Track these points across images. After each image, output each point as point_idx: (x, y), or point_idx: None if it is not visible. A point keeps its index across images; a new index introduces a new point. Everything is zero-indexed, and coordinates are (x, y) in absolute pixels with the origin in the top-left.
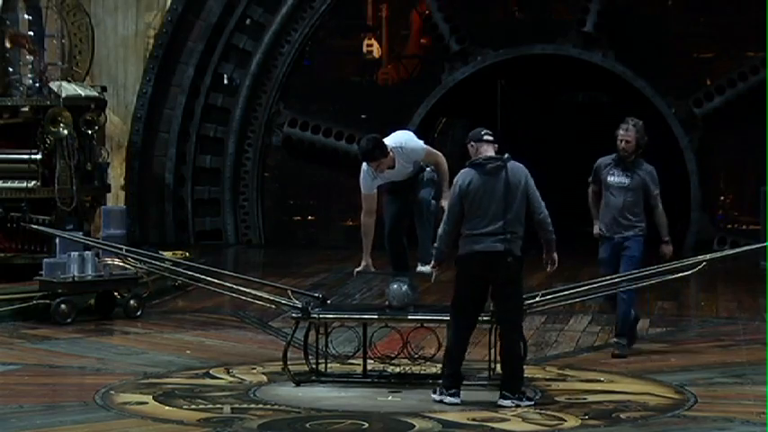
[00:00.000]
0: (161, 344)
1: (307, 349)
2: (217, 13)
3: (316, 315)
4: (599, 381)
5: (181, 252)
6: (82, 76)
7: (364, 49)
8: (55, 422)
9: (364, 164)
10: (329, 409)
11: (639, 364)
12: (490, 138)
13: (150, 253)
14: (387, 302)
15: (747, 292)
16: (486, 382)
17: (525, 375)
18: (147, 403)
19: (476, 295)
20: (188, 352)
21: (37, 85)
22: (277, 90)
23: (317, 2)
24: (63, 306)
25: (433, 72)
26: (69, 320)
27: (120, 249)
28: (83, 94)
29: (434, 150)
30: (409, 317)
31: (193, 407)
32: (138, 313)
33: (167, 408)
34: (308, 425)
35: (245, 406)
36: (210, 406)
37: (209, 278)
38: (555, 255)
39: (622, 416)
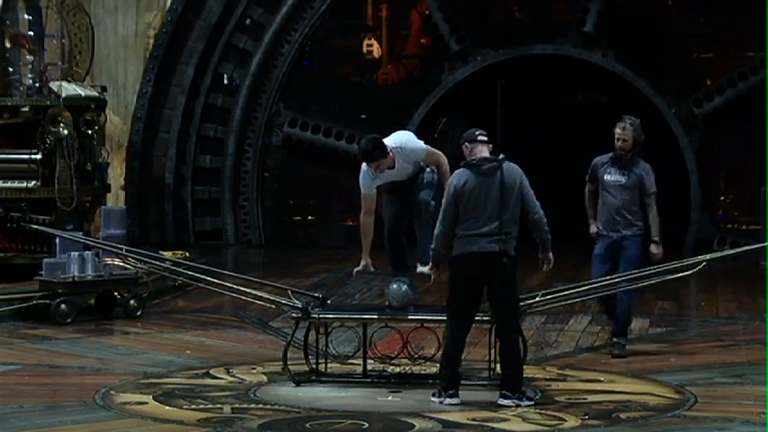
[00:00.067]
0: (161, 344)
1: (307, 349)
2: (217, 13)
3: (316, 315)
4: (599, 381)
5: (181, 252)
6: (82, 76)
7: (364, 49)
8: (55, 422)
9: (364, 164)
10: (329, 409)
11: (639, 364)
12: (484, 138)
13: (150, 253)
14: (387, 302)
15: (747, 292)
16: (486, 382)
17: (525, 375)
18: (147, 403)
19: (471, 296)
20: (188, 352)
21: (37, 85)
22: (277, 90)
23: (317, 2)
24: (63, 306)
25: (433, 72)
26: (69, 320)
27: (120, 249)
28: (83, 94)
29: (435, 150)
30: (409, 317)
31: (193, 407)
32: (138, 313)
33: (167, 408)
34: (308, 425)
35: (245, 406)
36: (210, 406)
37: (209, 278)
38: (550, 254)
39: (622, 416)
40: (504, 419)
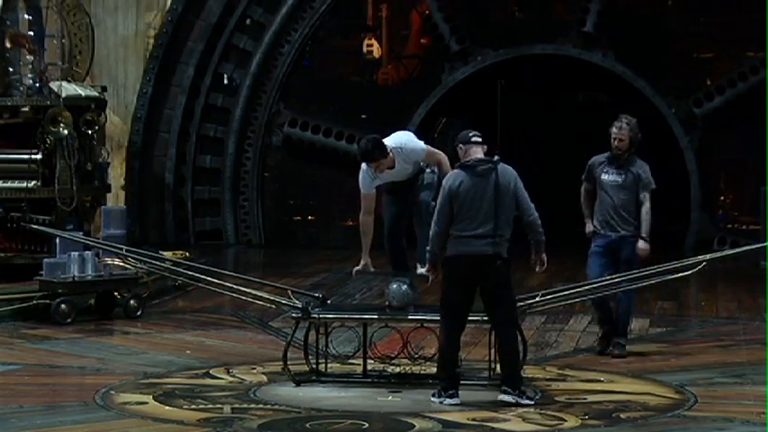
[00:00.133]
0: (161, 344)
1: (307, 349)
2: (217, 13)
3: (316, 315)
4: (599, 381)
5: (181, 252)
6: (82, 76)
7: (364, 49)
8: (55, 422)
9: (364, 163)
10: (329, 409)
11: (639, 364)
12: (478, 139)
13: (150, 253)
14: (387, 302)
15: (747, 292)
16: (486, 382)
17: (525, 375)
18: (147, 403)
19: (464, 296)
20: (188, 352)
21: (37, 85)
22: (277, 90)
23: (317, 2)
24: (63, 306)
25: (433, 72)
26: (69, 320)
27: (120, 249)
28: (83, 94)
29: (435, 150)
30: (409, 317)
31: (193, 407)
32: (138, 313)
33: (167, 408)
34: (308, 425)
35: (245, 406)
36: (210, 406)
37: (209, 278)
38: (544, 256)
39: (622, 416)
40: (504, 419)
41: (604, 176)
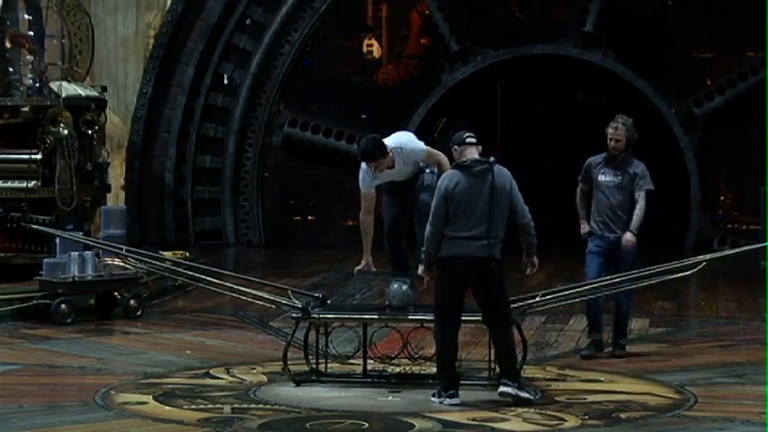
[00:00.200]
0: (161, 344)
1: (307, 349)
2: (217, 13)
3: (316, 315)
4: (599, 381)
5: (181, 252)
6: (82, 76)
7: (364, 49)
8: (55, 422)
9: (363, 163)
10: (329, 409)
11: (639, 364)
12: (473, 140)
13: (150, 253)
14: (387, 302)
15: (747, 292)
16: (486, 383)
17: (525, 375)
18: (147, 403)
19: (459, 296)
20: (188, 352)
21: (37, 85)
22: (277, 90)
23: (317, 2)
24: (63, 306)
25: (433, 72)
26: (69, 320)
27: (120, 249)
28: (83, 94)
29: (435, 151)
30: (409, 317)
31: (193, 407)
32: (138, 313)
33: (167, 408)
34: (308, 425)
35: (245, 406)
36: (210, 406)
37: (209, 278)
38: (535, 258)
39: (622, 416)
40: (504, 419)
41: (601, 177)
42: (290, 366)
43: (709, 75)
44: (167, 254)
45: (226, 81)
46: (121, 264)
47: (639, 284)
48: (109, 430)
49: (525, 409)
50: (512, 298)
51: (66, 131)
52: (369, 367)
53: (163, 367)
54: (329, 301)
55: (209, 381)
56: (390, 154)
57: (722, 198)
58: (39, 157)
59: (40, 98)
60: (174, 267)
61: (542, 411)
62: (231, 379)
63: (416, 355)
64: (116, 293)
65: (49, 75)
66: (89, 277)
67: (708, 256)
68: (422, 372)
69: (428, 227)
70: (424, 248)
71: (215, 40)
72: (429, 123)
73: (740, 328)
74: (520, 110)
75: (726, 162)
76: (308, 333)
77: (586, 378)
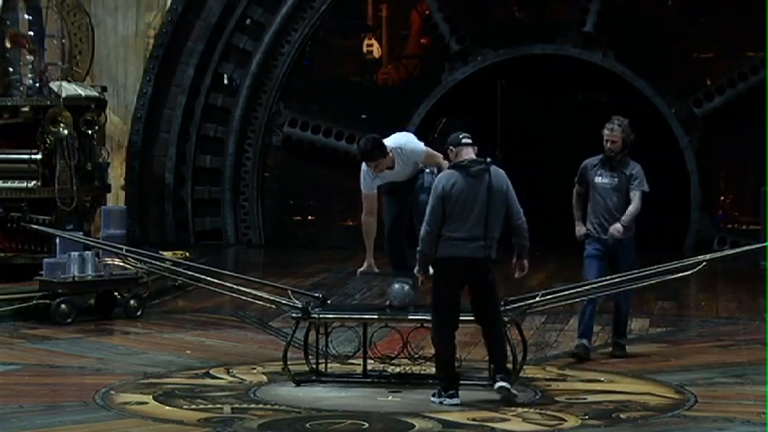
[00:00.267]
0: (161, 344)
1: (307, 349)
2: (217, 13)
3: (316, 315)
4: (599, 381)
5: (181, 252)
6: (82, 76)
7: (364, 49)
8: (55, 422)
9: (364, 164)
10: (329, 409)
11: (639, 364)
12: (469, 141)
13: (150, 253)
14: (388, 302)
15: (747, 292)
16: (486, 383)
17: (525, 375)
18: (147, 403)
19: (456, 296)
20: (188, 352)
21: (37, 85)
22: (277, 90)
23: (317, 2)
24: (63, 306)
25: (433, 72)
26: (69, 320)
27: (120, 249)
28: (83, 94)
29: (435, 152)
30: (409, 317)
31: (193, 407)
32: (138, 313)
33: (167, 408)
34: (308, 425)
35: (245, 406)
36: (210, 406)
37: (209, 278)
38: (525, 261)
39: (622, 416)
40: (504, 419)
41: (598, 179)
42: (290, 366)
43: (709, 75)
44: (167, 254)
45: (226, 81)
46: (121, 264)
47: (639, 284)
48: (109, 430)
49: (525, 409)
50: (512, 298)
51: (66, 131)
52: (369, 367)
53: (163, 367)
54: (329, 301)
55: (209, 381)
56: (390, 154)
57: (722, 198)
58: (39, 157)
59: (40, 98)
60: (174, 267)
61: (542, 411)
62: (231, 379)
63: (416, 356)
64: (116, 293)
65: (49, 75)
66: (89, 277)
67: (708, 256)
68: (422, 372)
69: (424, 226)
70: (419, 248)
71: (215, 40)
72: (429, 123)
73: (740, 328)
74: (520, 110)
75: (726, 162)
76: (307, 333)
77: (586, 378)
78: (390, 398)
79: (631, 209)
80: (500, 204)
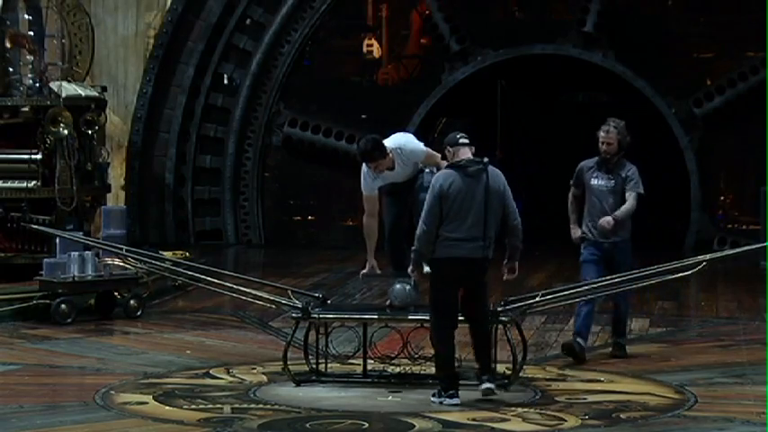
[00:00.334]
0: (161, 344)
1: (307, 349)
2: (217, 13)
3: (316, 315)
4: (599, 381)
5: (181, 252)
6: (82, 76)
7: (364, 49)
8: (55, 422)
9: (364, 165)
10: (329, 409)
11: (639, 364)
12: (466, 141)
13: (150, 253)
14: (388, 302)
15: (747, 292)
16: None
17: (525, 375)
18: (147, 403)
19: (455, 296)
20: (188, 352)
21: (37, 85)
22: (277, 90)
23: (317, 2)
24: (63, 306)
25: (433, 72)
26: (69, 320)
27: (120, 249)
28: (83, 94)
29: (435, 152)
30: (409, 317)
31: (193, 407)
32: (138, 313)
33: (167, 408)
34: (308, 425)
35: (245, 406)
36: (210, 406)
37: (209, 278)
38: (516, 264)
39: (622, 416)
40: (504, 419)
41: (593, 181)
42: (290, 366)
43: (709, 75)
44: (167, 254)
45: (226, 81)
46: (121, 264)
47: (639, 284)
48: (109, 430)
49: (525, 409)
50: (512, 298)
51: (66, 131)
52: (369, 367)
53: (163, 367)
54: (329, 301)
55: (209, 381)
56: (390, 155)
57: (722, 198)
58: (39, 157)
59: (40, 98)
60: (174, 267)
61: (542, 411)
62: (231, 379)
63: (416, 355)
64: (116, 293)
65: (49, 75)
66: (89, 277)
67: (708, 256)
68: (422, 372)
69: (421, 225)
70: (415, 247)
71: (215, 40)
72: (429, 123)
73: (740, 328)
74: (520, 110)
75: (726, 162)
76: (308, 333)
77: (586, 378)
78: (390, 398)
79: (625, 207)
80: (497, 205)
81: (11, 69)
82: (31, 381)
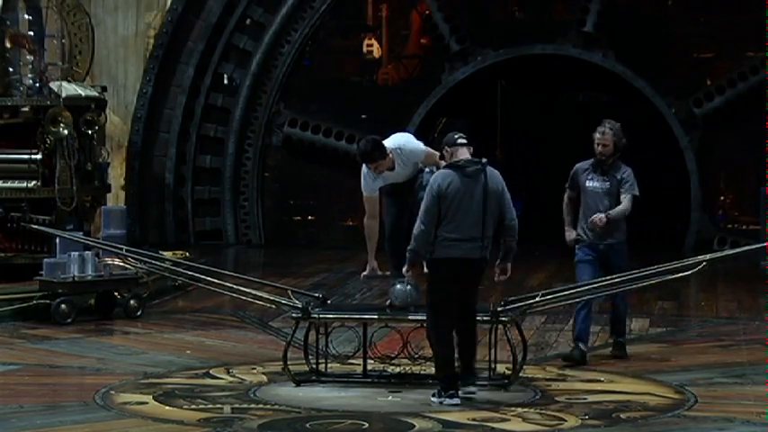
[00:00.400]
0: (161, 344)
1: (307, 349)
2: (217, 13)
3: (316, 315)
4: (599, 381)
5: (181, 252)
6: (82, 76)
7: (364, 49)
8: (55, 422)
9: (364, 166)
10: (329, 409)
11: (639, 365)
12: (464, 141)
13: (150, 253)
14: (389, 302)
15: (747, 292)
16: (486, 383)
17: (525, 375)
18: (147, 403)
19: (453, 296)
20: (188, 352)
21: (37, 85)
22: (277, 90)
23: (317, 2)
24: (63, 306)
25: (433, 72)
26: (69, 320)
27: (120, 249)
28: (83, 94)
29: (435, 152)
30: (409, 317)
31: (193, 407)
32: (138, 313)
33: (167, 408)
34: (308, 425)
35: (245, 406)
36: (210, 406)
37: (209, 278)
38: (509, 265)
39: (622, 416)
40: (504, 419)
41: (589, 183)
42: (290, 366)
43: (709, 75)
44: (167, 254)
45: (226, 81)
46: (121, 264)
47: (640, 284)
48: (109, 430)
49: (525, 409)
50: (512, 298)
51: (66, 131)
52: (369, 367)
53: (163, 367)
54: (329, 301)
55: (209, 381)
56: (390, 155)
57: (722, 198)
58: (39, 157)
59: (40, 98)
60: (174, 267)
61: (542, 411)
62: (231, 379)
63: (416, 355)
64: (116, 293)
65: (49, 75)
66: (89, 277)
67: (708, 256)
68: (422, 372)
69: (418, 224)
70: (411, 246)
71: (215, 40)
72: (429, 123)
73: (740, 328)
74: (520, 110)
75: (726, 162)
76: (308, 333)
77: (586, 378)
78: (390, 398)
79: (620, 207)
80: (495, 205)
81: (11, 69)
82: (31, 381)
